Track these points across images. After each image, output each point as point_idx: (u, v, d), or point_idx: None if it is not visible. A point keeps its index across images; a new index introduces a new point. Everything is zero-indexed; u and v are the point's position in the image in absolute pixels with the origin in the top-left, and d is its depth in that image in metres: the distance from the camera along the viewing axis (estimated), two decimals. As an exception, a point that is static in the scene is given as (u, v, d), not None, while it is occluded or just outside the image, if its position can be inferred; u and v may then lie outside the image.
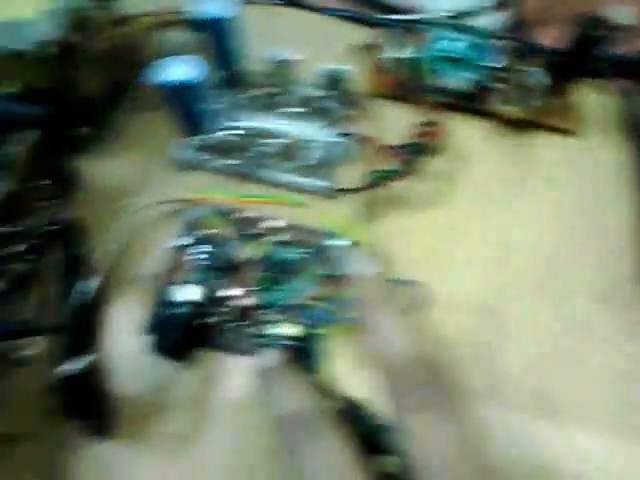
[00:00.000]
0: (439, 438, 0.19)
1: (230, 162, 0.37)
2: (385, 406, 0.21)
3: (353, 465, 0.20)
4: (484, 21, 0.42)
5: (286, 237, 0.35)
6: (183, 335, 0.30)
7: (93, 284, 0.29)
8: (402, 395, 0.20)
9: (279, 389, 0.24)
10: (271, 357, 0.26)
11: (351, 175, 0.38)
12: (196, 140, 0.37)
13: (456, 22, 0.41)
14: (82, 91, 0.35)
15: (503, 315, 0.34)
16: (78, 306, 0.27)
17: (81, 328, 0.27)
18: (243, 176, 0.37)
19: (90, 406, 0.28)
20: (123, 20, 0.35)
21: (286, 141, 0.37)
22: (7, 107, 0.31)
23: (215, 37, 0.36)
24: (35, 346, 0.31)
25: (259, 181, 0.37)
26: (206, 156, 0.37)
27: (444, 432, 0.19)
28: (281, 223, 0.34)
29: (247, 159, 0.37)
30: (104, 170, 0.37)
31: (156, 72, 0.32)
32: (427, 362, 0.20)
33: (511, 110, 0.39)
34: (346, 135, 0.38)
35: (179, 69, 0.32)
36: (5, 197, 0.29)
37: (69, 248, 0.27)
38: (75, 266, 0.27)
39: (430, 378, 0.20)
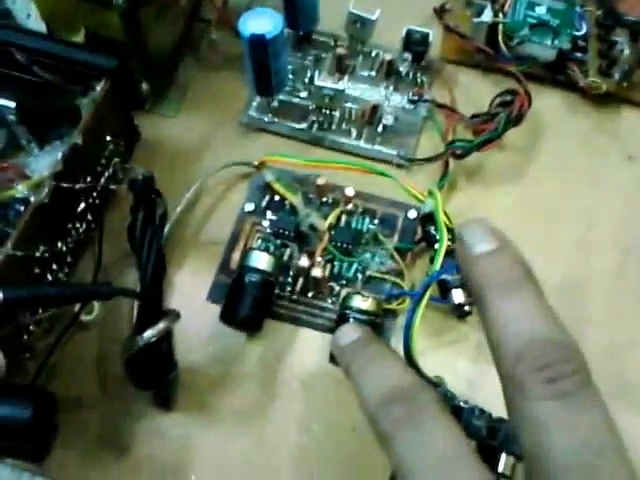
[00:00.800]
0: (580, 431, 0.16)
1: (300, 126, 0.35)
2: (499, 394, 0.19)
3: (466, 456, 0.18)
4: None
5: (359, 207, 0.33)
6: (253, 304, 0.29)
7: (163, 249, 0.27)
8: (533, 381, 0.17)
9: (367, 365, 0.22)
10: (350, 330, 0.24)
11: (426, 144, 0.36)
12: (266, 101, 0.35)
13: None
14: (150, 44, 0.33)
15: (584, 298, 0.32)
16: (153, 269, 0.25)
17: (154, 291, 0.26)
18: (312, 140, 0.35)
19: (157, 376, 0.27)
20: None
21: (359, 106, 0.36)
22: (75, 55, 0.29)
23: (290, -9, 0.34)
24: (93, 311, 0.30)
25: (328, 147, 0.35)
26: (275, 118, 0.35)
27: (587, 424, 0.16)
28: (352, 191, 0.32)
29: (318, 123, 0.35)
30: (168, 130, 0.35)
31: (235, 24, 0.30)
32: (568, 348, 0.18)
33: (594, 82, 0.37)
34: (422, 102, 0.36)
35: (257, 22, 0.30)
36: (70, 151, 0.27)
37: (149, 206, 0.26)
38: (155, 225, 0.26)
39: (570, 366, 0.17)
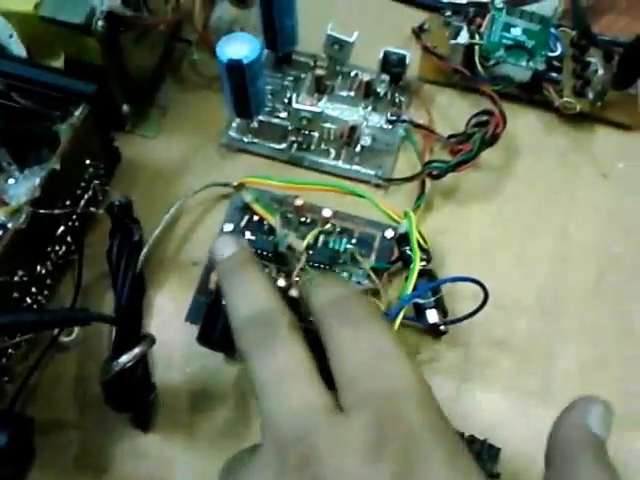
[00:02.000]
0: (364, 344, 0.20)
1: (279, 146, 0.36)
2: None
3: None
4: (543, 8, 0.40)
5: (336, 227, 0.33)
6: (229, 326, 0.29)
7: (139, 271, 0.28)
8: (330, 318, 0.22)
9: (237, 286, 0.24)
10: (229, 243, 0.26)
11: (403, 164, 0.36)
12: (245, 122, 0.36)
13: (514, 8, 0.39)
14: (130, 67, 0.33)
15: (558, 315, 0.33)
16: (128, 295, 0.25)
17: (130, 316, 0.26)
18: (291, 161, 0.36)
19: (134, 398, 0.27)
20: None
21: (337, 126, 0.36)
22: (54, 81, 0.29)
23: (268, 14, 0.34)
24: (72, 332, 0.30)
25: (307, 167, 0.36)
26: (254, 139, 0.36)
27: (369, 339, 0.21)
28: (330, 212, 0.33)
29: (297, 143, 0.36)
30: (148, 150, 0.36)
31: (212, 49, 0.30)
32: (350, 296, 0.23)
33: (569, 102, 0.37)
34: (400, 122, 0.36)
35: (235, 47, 0.30)
36: (48, 177, 0.28)
37: (125, 232, 0.26)
38: (131, 251, 0.26)
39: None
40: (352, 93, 0.38)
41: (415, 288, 0.29)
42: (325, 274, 0.30)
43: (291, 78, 0.38)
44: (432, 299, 0.30)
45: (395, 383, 0.19)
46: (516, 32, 0.38)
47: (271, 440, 0.19)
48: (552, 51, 0.38)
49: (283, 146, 0.36)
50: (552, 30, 0.39)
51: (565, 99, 0.37)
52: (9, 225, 0.26)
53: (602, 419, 0.20)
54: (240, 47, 0.30)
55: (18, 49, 0.36)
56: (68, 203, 0.30)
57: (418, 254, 0.29)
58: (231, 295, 0.24)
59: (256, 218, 0.33)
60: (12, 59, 0.30)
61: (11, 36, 0.39)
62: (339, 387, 0.20)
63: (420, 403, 0.19)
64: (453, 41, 0.38)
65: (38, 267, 0.29)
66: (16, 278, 0.27)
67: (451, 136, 0.36)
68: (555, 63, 0.38)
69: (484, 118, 0.36)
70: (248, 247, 0.27)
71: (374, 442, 0.18)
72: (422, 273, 0.31)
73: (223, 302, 0.29)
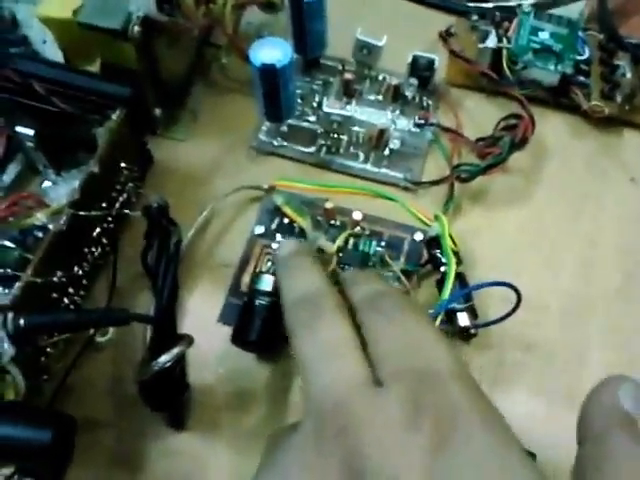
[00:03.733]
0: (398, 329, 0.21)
1: (308, 149, 0.36)
2: None
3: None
4: (570, 11, 0.40)
5: (366, 230, 0.34)
6: (263, 327, 0.30)
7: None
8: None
9: (289, 273, 0.26)
10: (289, 243, 0.28)
11: (431, 167, 0.37)
12: (276, 125, 0.36)
13: (541, 11, 0.39)
14: (162, 71, 0.34)
15: (588, 318, 0.33)
16: (166, 296, 0.26)
17: (167, 318, 0.26)
18: (320, 164, 0.36)
19: (169, 398, 0.28)
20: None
21: (366, 130, 0.36)
22: (92, 85, 0.30)
23: (298, 18, 0.35)
24: (107, 333, 0.31)
25: (336, 170, 0.36)
26: (284, 142, 0.36)
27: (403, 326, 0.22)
28: (360, 215, 0.33)
29: (326, 147, 0.36)
30: (179, 154, 0.36)
31: (246, 49, 0.31)
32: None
33: (597, 105, 0.37)
34: (428, 125, 0.36)
35: (268, 51, 0.31)
36: (87, 180, 0.28)
37: (163, 234, 0.27)
38: (170, 252, 0.27)
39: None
40: (380, 97, 0.38)
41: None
42: (361, 270, 0.31)
43: (319, 82, 0.38)
44: (464, 302, 0.30)
45: (430, 359, 0.20)
46: (544, 36, 0.38)
47: (312, 412, 0.20)
48: (580, 55, 0.38)
49: (312, 149, 0.36)
50: (580, 33, 0.39)
51: (593, 102, 0.37)
52: (50, 226, 0.27)
53: (634, 396, 0.20)
54: (273, 51, 0.31)
55: (52, 54, 0.37)
56: (104, 205, 0.30)
57: (453, 258, 0.29)
58: (284, 279, 0.26)
59: (286, 221, 0.34)
60: (52, 64, 0.31)
61: (45, 42, 0.40)
62: (375, 364, 0.20)
63: (456, 376, 0.19)
64: (481, 45, 0.38)
65: (75, 268, 0.29)
66: (55, 279, 0.27)
67: (479, 139, 0.36)
68: (583, 67, 0.38)
69: (512, 122, 0.36)
70: (305, 246, 0.29)
71: (412, 413, 0.18)
72: (447, 279, 0.31)
73: (257, 303, 0.30)
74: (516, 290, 0.27)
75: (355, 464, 0.18)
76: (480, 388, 0.20)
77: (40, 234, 0.28)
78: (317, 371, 0.20)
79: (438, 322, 0.28)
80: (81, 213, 0.27)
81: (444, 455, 0.17)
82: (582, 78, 0.38)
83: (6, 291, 0.25)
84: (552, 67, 0.37)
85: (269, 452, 0.21)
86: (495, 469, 0.17)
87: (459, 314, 0.30)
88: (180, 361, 0.26)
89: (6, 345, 0.23)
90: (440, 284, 0.31)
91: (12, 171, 0.35)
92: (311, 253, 0.28)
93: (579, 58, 0.38)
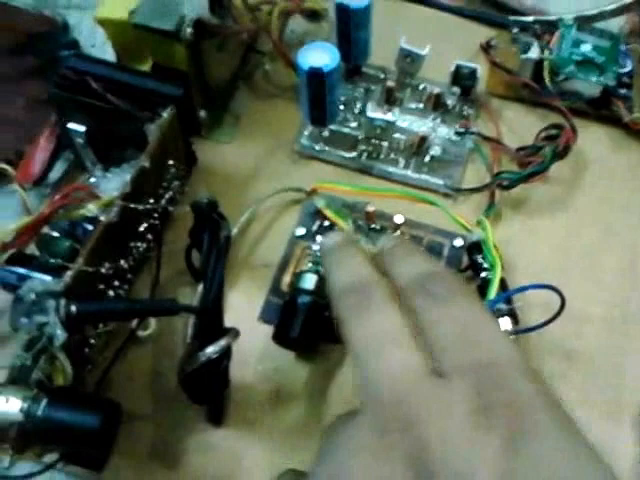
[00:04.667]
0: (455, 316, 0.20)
1: (349, 154, 0.36)
2: None
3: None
4: (612, 25, 0.41)
5: (406, 234, 0.34)
6: (304, 325, 0.30)
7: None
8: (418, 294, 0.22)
9: (336, 262, 0.25)
10: (335, 235, 0.27)
11: (470, 175, 0.37)
12: (317, 130, 0.36)
13: (582, 24, 0.39)
14: (210, 74, 0.34)
15: (627, 329, 0.33)
16: (215, 289, 0.26)
17: (214, 311, 0.27)
18: (361, 169, 0.36)
19: (211, 391, 0.28)
20: (257, 5, 0.35)
21: (407, 137, 0.37)
22: (145, 84, 0.30)
23: (344, 27, 0.35)
24: (149, 327, 0.31)
25: (376, 175, 0.36)
26: (325, 147, 0.37)
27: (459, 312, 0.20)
28: (402, 219, 0.33)
29: (366, 152, 0.36)
30: (222, 155, 0.37)
31: (290, 56, 0.31)
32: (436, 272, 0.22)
33: (638, 117, 0.37)
34: (469, 134, 0.37)
35: (316, 55, 0.31)
36: (138, 174, 0.29)
37: (214, 230, 0.27)
38: (220, 246, 0.27)
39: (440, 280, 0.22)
40: (421, 105, 0.38)
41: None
42: (398, 241, 0.28)
43: (361, 89, 0.39)
44: (506, 307, 0.30)
45: (493, 352, 0.19)
46: (586, 48, 0.38)
47: (370, 403, 0.19)
48: (622, 67, 0.38)
49: (353, 154, 0.37)
50: (622, 46, 0.39)
51: (635, 115, 0.37)
52: (101, 218, 0.27)
53: None
54: (320, 56, 0.31)
55: (101, 57, 0.38)
56: (151, 201, 0.31)
57: (499, 261, 0.29)
58: (331, 268, 0.25)
59: (327, 223, 0.34)
60: (106, 63, 0.32)
61: (93, 46, 0.41)
62: (435, 357, 0.20)
63: (523, 370, 0.18)
64: (524, 56, 0.38)
65: (122, 261, 0.30)
66: (103, 270, 0.28)
67: (520, 149, 0.36)
68: (625, 79, 0.38)
69: (553, 132, 0.36)
70: (351, 237, 0.28)
71: (480, 408, 0.17)
72: (492, 282, 0.31)
73: (298, 301, 0.30)
74: (560, 293, 0.27)
75: (421, 459, 0.17)
76: (546, 382, 0.19)
77: (89, 227, 0.29)
78: (374, 360, 0.20)
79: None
80: (132, 206, 0.27)
81: (517, 456, 0.16)
82: (624, 90, 0.38)
83: (56, 280, 0.26)
84: (594, 79, 0.37)
85: (327, 446, 0.20)
86: (571, 470, 0.16)
87: (501, 319, 0.30)
88: (226, 354, 0.26)
89: (59, 330, 0.23)
90: (481, 290, 0.31)
91: (60, 168, 0.36)
92: (354, 240, 0.27)
93: (621, 71, 0.38)
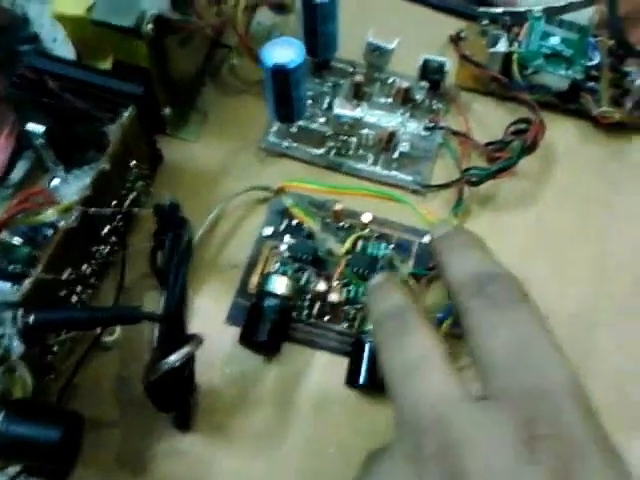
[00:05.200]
0: (512, 329, 0.19)
1: (317, 151, 0.36)
2: None
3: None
4: (579, 17, 0.40)
5: (375, 232, 0.34)
6: (271, 327, 0.30)
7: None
8: (472, 299, 0.21)
9: (375, 293, 0.25)
10: (379, 275, 0.27)
11: (440, 171, 0.36)
12: (285, 126, 0.36)
13: (551, 17, 0.39)
14: (173, 70, 0.34)
15: (596, 325, 0.33)
16: (177, 295, 0.26)
17: (177, 318, 0.26)
18: (329, 166, 0.36)
19: (176, 399, 0.27)
20: (220, -1, 0.34)
21: (375, 132, 0.36)
22: (105, 83, 0.30)
23: (310, 20, 0.35)
24: (114, 332, 0.31)
25: (345, 172, 0.36)
26: (293, 144, 0.36)
27: (517, 324, 0.19)
28: (370, 217, 0.33)
29: (335, 149, 0.36)
30: (188, 154, 0.36)
31: (256, 50, 0.31)
32: (497, 275, 0.21)
33: (607, 111, 0.37)
34: (438, 129, 0.36)
35: (280, 51, 0.31)
36: (98, 177, 0.28)
37: (175, 232, 0.26)
38: (182, 251, 0.27)
39: (500, 285, 0.21)
40: (390, 100, 0.38)
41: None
42: (465, 233, 0.26)
43: (329, 84, 0.38)
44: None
45: (547, 377, 0.18)
46: (555, 41, 0.38)
47: (406, 430, 0.18)
48: (590, 60, 0.38)
49: (321, 151, 0.36)
50: (590, 39, 0.39)
51: (603, 108, 0.37)
52: (60, 223, 0.26)
53: None
54: (285, 51, 0.31)
55: (63, 52, 0.37)
56: (114, 203, 0.30)
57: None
58: (371, 300, 0.25)
59: (295, 222, 0.34)
60: (65, 61, 0.31)
61: (55, 40, 0.40)
62: (483, 374, 0.19)
63: (577, 402, 0.17)
64: (492, 49, 0.38)
65: (84, 266, 0.29)
66: (64, 276, 0.27)
67: (489, 144, 0.36)
68: (593, 72, 0.38)
69: (522, 126, 0.36)
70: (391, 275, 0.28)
71: (527, 439, 0.16)
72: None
73: (265, 304, 0.30)
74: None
75: None
76: (595, 411, 0.18)
77: (50, 231, 0.28)
78: (411, 385, 0.19)
79: (446, 325, 0.28)
80: (92, 210, 0.27)
81: None
82: (592, 84, 0.38)
83: (15, 288, 0.25)
84: (562, 72, 0.37)
85: (365, 472, 0.20)
86: None
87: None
88: (189, 361, 0.26)
89: (15, 342, 0.23)
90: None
91: (21, 168, 0.35)
92: (396, 279, 0.26)
93: (589, 64, 0.38)
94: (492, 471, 0.16)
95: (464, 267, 0.22)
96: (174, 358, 0.24)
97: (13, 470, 0.25)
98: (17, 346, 0.23)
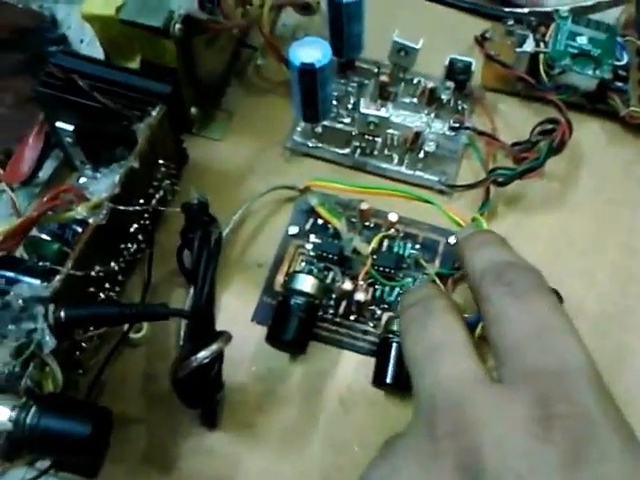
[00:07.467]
0: (532, 316, 0.19)
1: (342, 151, 0.36)
2: None
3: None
4: (608, 16, 0.40)
5: (401, 232, 0.33)
6: (298, 326, 0.29)
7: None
8: (493, 287, 0.21)
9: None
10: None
11: (465, 171, 0.36)
12: (310, 126, 0.36)
13: (578, 16, 0.39)
14: (200, 70, 0.34)
15: (622, 326, 0.32)
16: (206, 292, 0.26)
17: (206, 315, 0.26)
18: (355, 166, 0.36)
19: (204, 395, 0.28)
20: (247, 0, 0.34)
21: (401, 132, 0.36)
22: (133, 82, 0.30)
23: (336, 20, 0.35)
24: (142, 329, 0.31)
25: (370, 172, 0.36)
26: (318, 143, 0.36)
27: (537, 311, 0.20)
28: (396, 217, 0.33)
29: (360, 148, 0.36)
30: (214, 153, 0.36)
31: (282, 51, 0.31)
32: (518, 264, 0.22)
33: (635, 111, 0.37)
34: (463, 129, 0.36)
35: (307, 51, 0.31)
36: (127, 175, 0.28)
37: (204, 233, 0.27)
38: (211, 248, 0.27)
39: (521, 274, 0.21)
40: (415, 100, 0.38)
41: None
42: (485, 232, 0.27)
43: (354, 84, 0.38)
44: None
45: (563, 359, 0.18)
46: (582, 41, 0.38)
47: (423, 410, 0.19)
48: (618, 60, 0.38)
49: (347, 151, 0.36)
50: (618, 39, 0.38)
51: (631, 109, 0.37)
52: (90, 220, 0.27)
53: None
54: (312, 51, 0.31)
55: (90, 52, 0.37)
56: (142, 201, 0.30)
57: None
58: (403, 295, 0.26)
59: (320, 222, 0.34)
60: (94, 60, 0.31)
61: (82, 41, 0.40)
62: (500, 358, 0.19)
63: (592, 383, 0.18)
64: (519, 49, 0.37)
65: (112, 263, 0.29)
66: (93, 273, 0.28)
67: (515, 144, 0.36)
68: (621, 72, 0.38)
69: (549, 126, 0.36)
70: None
71: (541, 418, 0.17)
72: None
73: (292, 302, 0.30)
74: (557, 293, 0.27)
75: (472, 465, 0.16)
76: (611, 394, 0.18)
77: (79, 228, 0.28)
78: (429, 369, 0.20)
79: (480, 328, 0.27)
80: (121, 207, 0.27)
81: (576, 473, 0.16)
82: (620, 84, 0.38)
83: (45, 284, 0.25)
84: (590, 72, 0.37)
85: (381, 452, 0.20)
86: None
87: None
88: (218, 358, 0.26)
89: (47, 337, 0.23)
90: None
91: (49, 167, 0.35)
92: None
93: (617, 64, 0.38)
94: (505, 449, 0.16)
95: (485, 258, 0.23)
96: (203, 354, 0.24)
97: (43, 464, 0.25)
98: (49, 341, 0.23)
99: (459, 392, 0.18)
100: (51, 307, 0.24)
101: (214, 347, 0.24)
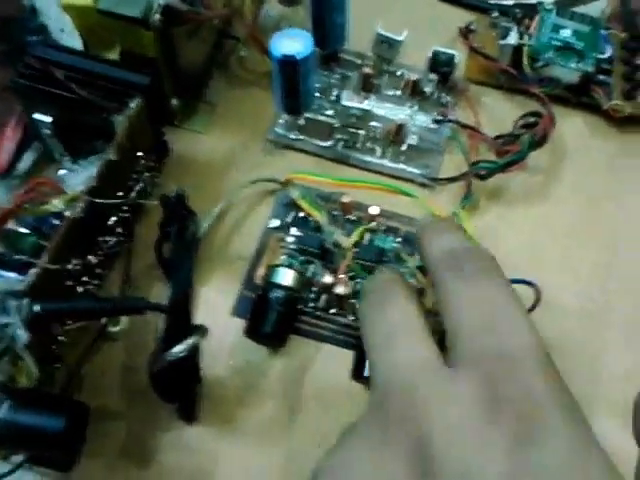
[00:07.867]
0: (483, 301, 0.19)
1: (324, 143, 0.36)
2: None
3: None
4: (592, 9, 0.40)
5: (382, 225, 0.33)
6: (277, 320, 0.29)
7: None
8: (446, 273, 0.21)
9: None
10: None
11: (448, 164, 0.36)
12: (292, 118, 0.36)
13: (563, 9, 0.39)
14: (181, 61, 0.33)
15: (602, 322, 0.32)
16: (182, 286, 0.26)
17: (182, 309, 0.26)
18: (337, 158, 0.36)
19: (181, 390, 0.27)
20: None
21: (383, 125, 0.36)
22: (112, 73, 0.29)
23: (319, 11, 0.34)
24: (120, 323, 0.31)
25: (353, 165, 0.36)
26: (301, 136, 0.36)
27: (488, 296, 0.20)
28: (377, 210, 0.33)
29: (343, 141, 0.36)
30: (195, 145, 0.36)
31: (265, 42, 0.31)
32: (472, 250, 0.22)
33: (618, 105, 0.37)
34: (447, 122, 0.36)
35: (289, 43, 0.30)
36: (105, 167, 0.28)
37: (181, 223, 0.26)
38: (188, 242, 0.26)
39: (473, 259, 0.22)
40: (398, 92, 0.37)
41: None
42: (445, 220, 0.28)
43: (338, 76, 0.38)
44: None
45: (511, 341, 0.18)
46: (566, 33, 0.37)
47: (375, 397, 0.19)
48: (602, 53, 0.38)
49: (329, 143, 0.36)
50: (602, 32, 0.38)
51: (614, 102, 0.37)
52: (67, 213, 0.26)
53: None
54: (294, 43, 0.31)
55: (70, 43, 0.36)
56: (121, 194, 0.30)
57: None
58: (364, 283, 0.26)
59: (302, 214, 0.34)
60: (72, 51, 0.31)
61: (62, 30, 0.40)
62: (449, 342, 0.19)
63: (539, 363, 0.18)
64: (502, 41, 0.37)
65: (90, 256, 0.29)
66: (70, 266, 0.27)
67: (498, 137, 0.36)
68: (604, 65, 0.38)
69: (532, 119, 0.36)
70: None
71: (488, 400, 0.17)
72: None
73: (271, 296, 0.29)
74: (536, 288, 0.27)
75: (423, 452, 0.16)
76: (562, 377, 0.18)
77: (56, 221, 0.28)
78: (383, 353, 0.20)
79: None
80: (98, 200, 0.27)
81: (523, 454, 0.16)
82: (603, 77, 0.38)
83: (21, 277, 0.25)
84: (573, 65, 0.37)
85: (337, 440, 0.20)
86: (577, 473, 0.16)
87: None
88: (194, 352, 0.25)
89: (20, 331, 0.23)
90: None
91: (28, 159, 0.35)
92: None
93: (601, 57, 0.38)
94: (453, 434, 0.16)
95: (440, 245, 0.23)
96: (179, 348, 0.24)
97: (17, 459, 0.25)
98: (22, 335, 0.23)
99: (410, 378, 0.18)
100: (25, 301, 0.23)
101: (190, 341, 0.24)
